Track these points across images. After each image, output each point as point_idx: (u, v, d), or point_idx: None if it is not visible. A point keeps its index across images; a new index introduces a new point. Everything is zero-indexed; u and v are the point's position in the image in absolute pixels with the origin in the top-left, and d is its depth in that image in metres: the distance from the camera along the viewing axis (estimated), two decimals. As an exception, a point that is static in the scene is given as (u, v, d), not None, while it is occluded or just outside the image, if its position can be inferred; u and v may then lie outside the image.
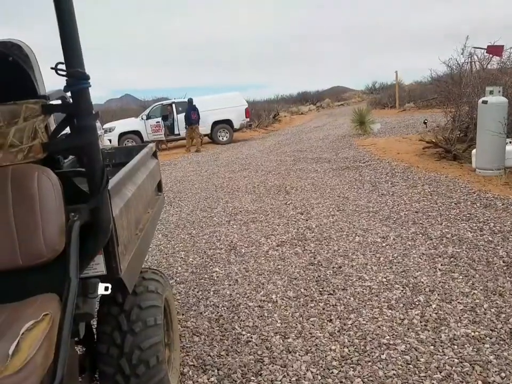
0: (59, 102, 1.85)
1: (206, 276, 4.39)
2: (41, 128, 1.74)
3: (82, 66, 1.63)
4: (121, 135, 17.36)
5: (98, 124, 13.58)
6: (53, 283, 1.68)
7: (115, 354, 2.09)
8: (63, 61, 1.61)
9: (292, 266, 4.40)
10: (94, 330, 2.21)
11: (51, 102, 1.84)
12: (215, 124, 17.98)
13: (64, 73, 1.61)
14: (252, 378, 2.72)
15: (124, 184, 2.30)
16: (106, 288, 1.78)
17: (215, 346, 3.10)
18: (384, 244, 4.73)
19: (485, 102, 7.19)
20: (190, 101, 16.66)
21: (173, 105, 18.05)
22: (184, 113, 16.68)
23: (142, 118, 17.83)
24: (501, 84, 8.49)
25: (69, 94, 1.68)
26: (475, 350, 2.75)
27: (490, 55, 12.39)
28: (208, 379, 2.75)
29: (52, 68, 1.60)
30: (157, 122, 17.61)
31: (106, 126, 17.84)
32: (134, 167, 2.65)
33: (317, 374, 2.68)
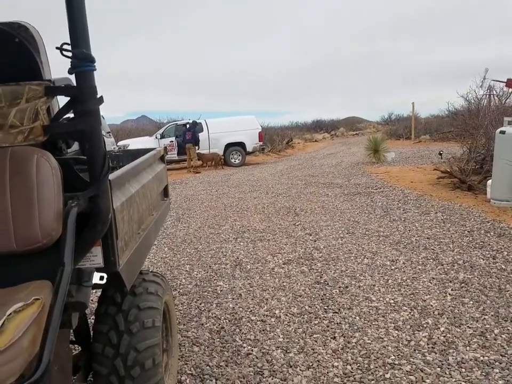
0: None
1: (209, 289, 4.32)
2: (43, 110, 1.68)
3: (88, 48, 1.57)
4: (135, 153, 17.48)
5: (112, 139, 13.75)
6: (48, 270, 1.61)
7: (110, 354, 2.03)
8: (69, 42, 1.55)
9: (297, 284, 4.32)
10: (91, 331, 2.16)
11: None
12: (228, 146, 18.13)
13: (69, 54, 1.55)
14: (250, 390, 2.63)
15: (127, 180, 2.25)
16: (101, 278, 1.72)
17: (214, 357, 3.01)
18: (393, 267, 4.63)
19: (502, 132, 7.11)
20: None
21: (187, 126, 18.20)
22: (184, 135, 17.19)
23: (156, 137, 18.05)
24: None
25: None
26: (484, 374, 2.64)
27: (510, 90, 12.37)
28: (205, 389, 2.66)
29: (57, 48, 1.55)
30: (170, 141, 17.77)
31: (121, 143, 18.00)
32: (139, 166, 2.60)
33: (318, 390, 2.59)
